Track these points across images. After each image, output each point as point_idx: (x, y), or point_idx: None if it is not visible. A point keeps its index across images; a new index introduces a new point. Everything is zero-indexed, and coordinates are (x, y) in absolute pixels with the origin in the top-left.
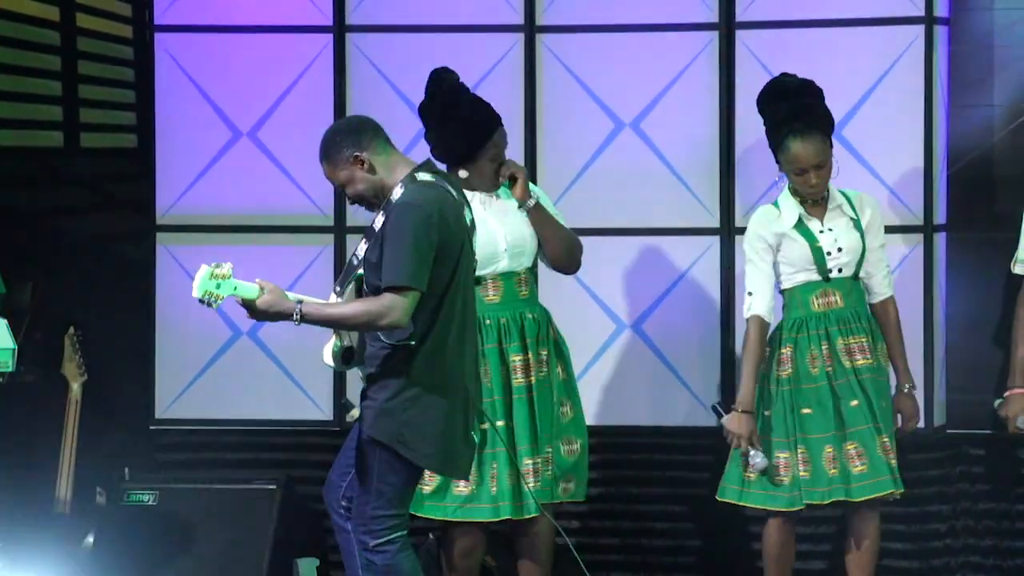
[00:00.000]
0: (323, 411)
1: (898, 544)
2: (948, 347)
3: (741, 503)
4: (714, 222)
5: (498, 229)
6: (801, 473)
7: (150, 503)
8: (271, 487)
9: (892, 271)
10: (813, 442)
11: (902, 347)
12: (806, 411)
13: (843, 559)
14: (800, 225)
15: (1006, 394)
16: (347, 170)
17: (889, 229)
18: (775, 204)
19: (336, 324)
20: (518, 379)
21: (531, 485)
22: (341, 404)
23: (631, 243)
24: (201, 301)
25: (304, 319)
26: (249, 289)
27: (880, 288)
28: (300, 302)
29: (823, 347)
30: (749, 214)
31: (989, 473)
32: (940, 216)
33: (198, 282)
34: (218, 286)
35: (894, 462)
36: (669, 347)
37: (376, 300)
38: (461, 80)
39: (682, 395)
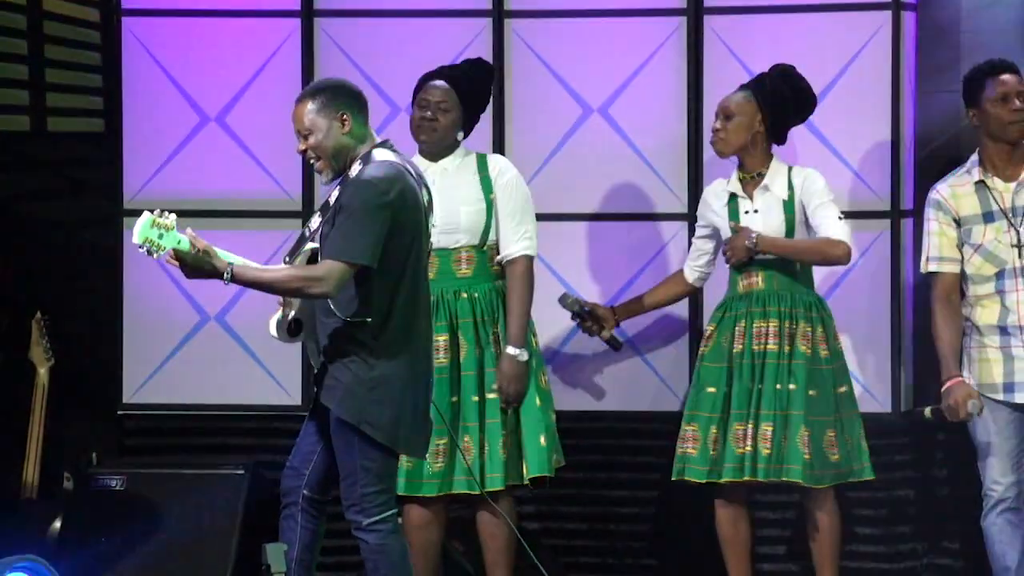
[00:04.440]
0: (291, 396)
1: (866, 529)
2: (915, 332)
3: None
4: (682, 208)
5: (437, 202)
6: (688, 450)
7: (117, 487)
8: (239, 472)
9: (862, 252)
10: (703, 420)
11: None
12: (710, 390)
13: (806, 543)
14: (732, 202)
15: (946, 385)
16: (328, 120)
17: (856, 215)
18: (728, 179)
19: (266, 288)
20: (440, 359)
21: (467, 462)
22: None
23: (599, 228)
24: (140, 247)
25: (234, 279)
26: (186, 242)
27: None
28: (231, 264)
29: (737, 328)
30: None
31: (956, 458)
32: (907, 202)
33: (139, 228)
34: (160, 236)
35: (790, 450)
36: (637, 332)
37: (310, 268)
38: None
39: (650, 380)
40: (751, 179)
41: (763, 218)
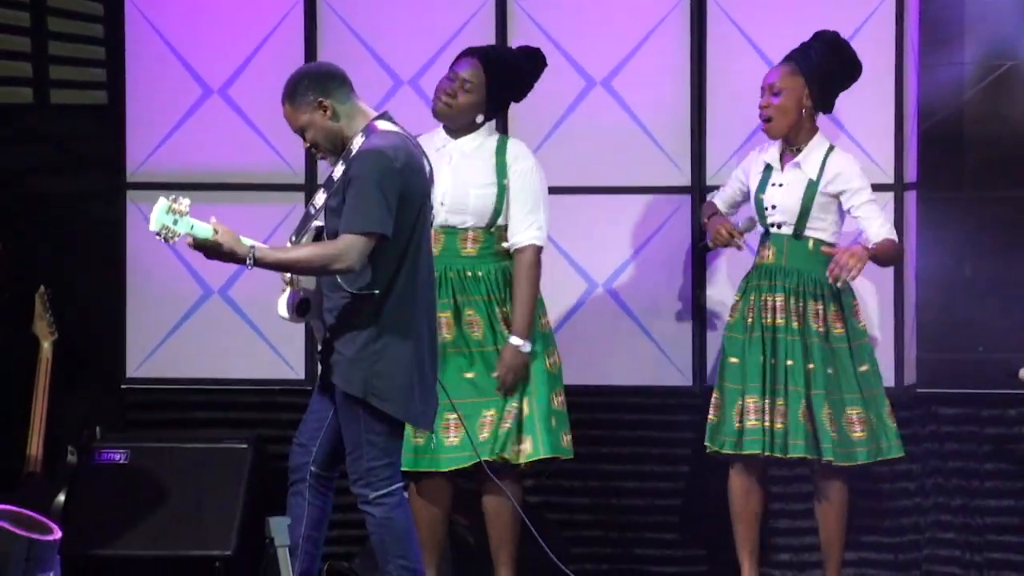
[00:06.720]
0: (294, 370)
1: (868, 502)
2: (918, 306)
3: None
4: (685, 180)
5: (448, 181)
6: (710, 417)
7: (121, 462)
8: (242, 446)
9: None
10: (729, 391)
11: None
12: (733, 360)
13: (813, 518)
14: (767, 171)
15: None
16: (308, 114)
17: None
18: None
19: (290, 268)
20: (443, 336)
21: (483, 437)
22: None
23: (602, 202)
24: (157, 235)
25: (257, 262)
26: (204, 229)
27: (877, 238)
28: (253, 246)
29: (752, 299)
30: (720, 172)
31: (959, 432)
32: (911, 174)
33: (155, 215)
34: (175, 222)
35: (808, 427)
36: (640, 306)
37: (331, 244)
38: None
39: (653, 354)
40: (790, 151)
41: (784, 193)
